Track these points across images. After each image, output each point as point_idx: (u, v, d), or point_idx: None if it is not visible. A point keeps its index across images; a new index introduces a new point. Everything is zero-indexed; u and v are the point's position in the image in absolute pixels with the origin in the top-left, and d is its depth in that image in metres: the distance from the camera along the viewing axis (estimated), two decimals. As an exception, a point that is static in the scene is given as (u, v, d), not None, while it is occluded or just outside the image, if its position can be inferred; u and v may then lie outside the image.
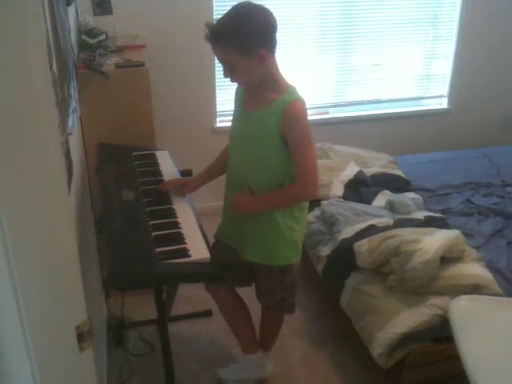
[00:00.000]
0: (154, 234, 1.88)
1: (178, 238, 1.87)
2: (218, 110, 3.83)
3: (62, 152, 1.34)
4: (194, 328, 2.88)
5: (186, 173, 2.51)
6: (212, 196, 3.17)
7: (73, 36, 2.74)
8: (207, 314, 2.91)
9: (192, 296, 2.94)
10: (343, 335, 2.78)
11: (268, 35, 1.87)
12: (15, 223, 0.85)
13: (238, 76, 1.95)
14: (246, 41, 1.83)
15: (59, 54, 1.88)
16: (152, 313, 1.90)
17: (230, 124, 2.18)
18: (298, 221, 2.11)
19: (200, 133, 3.79)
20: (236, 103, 2.13)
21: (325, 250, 2.77)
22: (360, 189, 3.01)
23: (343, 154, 3.36)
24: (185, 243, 1.84)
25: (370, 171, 3.21)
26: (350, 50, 4.05)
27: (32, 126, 0.95)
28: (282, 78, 1.99)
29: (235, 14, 1.86)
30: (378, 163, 3.32)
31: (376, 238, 2.45)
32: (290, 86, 1.98)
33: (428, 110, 4.35)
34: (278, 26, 1.88)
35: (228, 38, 1.83)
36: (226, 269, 2.13)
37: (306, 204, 2.16)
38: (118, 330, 2.76)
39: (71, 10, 2.70)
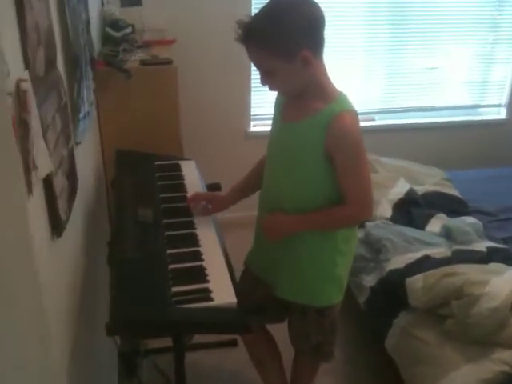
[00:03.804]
0: (171, 266, 1.57)
1: (200, 274, 1.55)
2: (252, 113, 3.51)
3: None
4: (215, 358, 2.57)
5: (213, 187, 2.19)
6: (240, 204, 2.86)
7: (95, 28, 2.46)
8: (232, 343, 2.59)
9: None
10: (384, 380, 2.42)
11: (314, 33, 1.54)
12: None
13: (276, 83, 1.62)
14: (286, 41, 1.50)
15: (67, 50, 1.58)
16: (170, 339, 1.63)
17: (265, 128, 1.85)
18: (342, 254, 1.77)
19: (232, 138, 3.47)
20: (275, 111, 1.80)
21: (369, 280, 2.43)
22: (411, 210, 2.65)
23: (391, 167, 3.00)
24: (207, 281, 1.52)
25: (421, 189, 2.84)
26: (400, 51, 3.70)
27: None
28: (331, 85, 1.65)
29: (272, 8, 1.53)
30: (430, 180, 2.95)
31: (433, 274, 2.09)
32: (340, 94, 1.64)
33: (484, 120, 3.96)
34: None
35: (263, 39, 1.51)
36: (254, 312, 1.81)
37: (353, 235, 1.82)
38: (131, 358, 2.46)
39: (94, -2, 2.41)
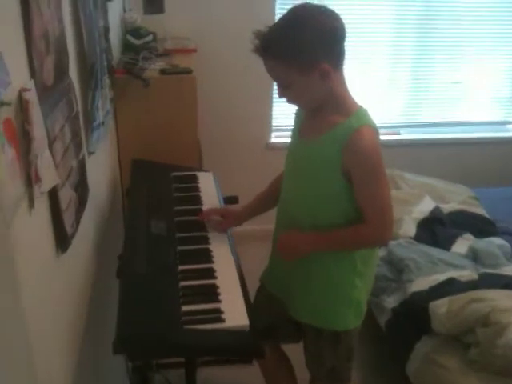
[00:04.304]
0: (182, 284, 1.50)
1: (212, 293, 1.48)
2: (273, 123, 3.45)
3: None
4: (228, 375, 2.49)
5: (230, 200, 2.12)
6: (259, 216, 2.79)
7: (115, 35, 2.43)
8: (246, 361, 2.50)
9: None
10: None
11: (333, 45, 1.47)
12: None
13: (294, 96, 1.55)
14: (304, 53, 1.43)
15: (81, 58, 1.54)
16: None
17: (287, 140, 1.78)
18: (360, 276, 1.68)
19: (252, 149, 3.41)
20: (295, 125, 1.73)
21: (390, 302, 2.33)
22: (436, 230, 2.54)
23: (416, 184, 2.90)
24: (219, 301, 1.45)
25: (447, 208, 2.73)
26: (427, 64, 3.58)
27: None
28: (350, 98, 1.57)
29: (290, 18, 1.47)
30: (456, 198, 2.83)
31: (458, 299, 1.99)
32: (360, 108, 1.56)
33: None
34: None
35: (280, 50, 1.45)
36: (269, 333, 1.73)
37: (373, 256, 1.72)
38: (142, 373, 2.40)
39: (115, 5, 2.38)
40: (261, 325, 1.45)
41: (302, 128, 1.65)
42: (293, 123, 1.74)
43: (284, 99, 1.58)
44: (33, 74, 1.07)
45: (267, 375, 2.02)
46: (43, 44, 1.15)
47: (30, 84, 1.03)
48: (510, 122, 3.86)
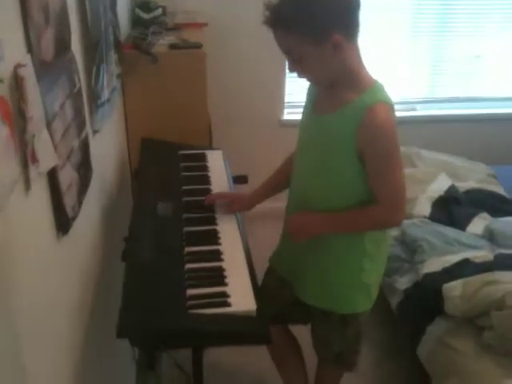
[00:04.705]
0: (187, 266, 1.47)
1: (218, 276, 1.44)
2: (286, 100, 3.37)
3: None
4: (238, 357, 2.47)
5: (240, 179, 2.08)
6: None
7: (124, 9, 2.37)
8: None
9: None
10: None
11: (346, 16, 1.40)
12: None
13: (305, 70, 1.49)
14: (315, 24, 1.37)
15: (85, 33, 1.49)
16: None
17: (299, 117, 1.73)
18: (371, 258, 1.63)
19: (265, 126, 3.35)
20: (307, 101, 1.67)
21: (402, 282, 2.29)
22: (452, 209, 2.48)
23: (432, 162, 2.82)
24: (225, 284, 1.42)
25: (464, 186, 2.67)
26: (447, 36, 3.48)
27: None
28: (365, 73, 1.50)
29: None
30: (474, 176, 2.76)
31: (473, 282, 1.94)
32: (375, 83, 1.50)
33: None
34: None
35: (290, 22, 1.39)
36: (277, 317, 1.70)
37: (384, 238, 1.68)
38: (150, 352, 2.39)
39: (123, -22, 2.31)
40: (269, 310, 1.42)
41: (314, 104, 1.60)
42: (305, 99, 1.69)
43: (295, 74, 1.52)
44: (29, 48, 1.02)
45: (275, 356, 2.01)
46: (42, 17, 1.10)
47: (27, 59, 0.98)
48: (531, 98, 3.74)
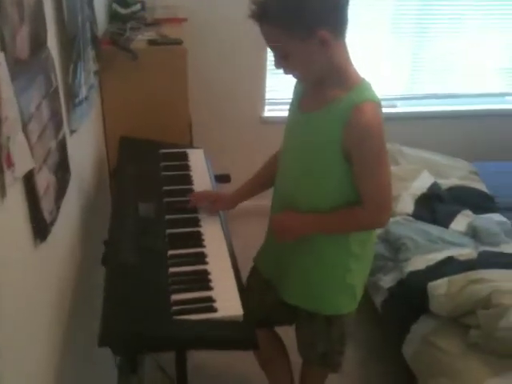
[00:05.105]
0: (171, 270, 1.42)
1: (203, 279, 1.40)
2: (267, 97, 3.33)
3: None
4: (222, 359, 2.43)
5: (222, 178, 2.04)
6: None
7: (101, 3, 2.30)
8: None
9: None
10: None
11: (334, 11, 1.37)
12: None
13: (292, 66, 1.45)
14: (302, 19, 1.34)
15: (61, 29, 1.43)
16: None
17: (281, 114, 1.68)
18: (356, 258, 1.61)
19: (245, 124, 3.30)
20: (294, 99, 1.63)
21: (386, 281, 2.28)
22: (435, 206, 2.47)
23: (414, 159, 2.81)
24: (210, 288, 1.38)
25: (446, 183, 2.66)
26: (426, 33, 3.47)
27: None
28: (353, 70, 1.47)
29: None
30: (456, 173, 2.76)
31: (458, 280, 1.93)
32: (363, 81, 1.47)
33: (510, 110, 3.70)
34: None
35: (276, 15, 1.35)
36: (263, 321, 1.66)
37: (370, 238, 1.65)
38: (133, 357, 2.34)
39: (99, -28, 2.24)
40: (254, 314, 1.38)
41: (302, 102, 1.56)
42: (290, 96, 1.65)
43: (280, 71, 1.48)
44: (3, 46, 0.96)
45: (260, 357, 1.97)
46: (16, 12, 1.04)
47: (0, 58, 0.93)
48: (509, 94, 3.76)
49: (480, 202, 2.57)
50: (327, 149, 1.47)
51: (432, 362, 1.92)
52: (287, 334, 1.93)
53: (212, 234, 1.62)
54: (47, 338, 1.21)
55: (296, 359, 1.93)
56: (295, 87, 1.64)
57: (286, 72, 1.48)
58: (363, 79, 1.48)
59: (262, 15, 1.38)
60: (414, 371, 2.02)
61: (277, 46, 1.42)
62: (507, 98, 3.77)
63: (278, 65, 1.47)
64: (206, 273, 1.43)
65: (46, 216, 1.14)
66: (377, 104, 1.44)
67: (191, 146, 2.38)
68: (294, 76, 1.54)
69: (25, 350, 1.04)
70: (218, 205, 1.74)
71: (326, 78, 1.46)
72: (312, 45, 1.37)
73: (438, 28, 3.45)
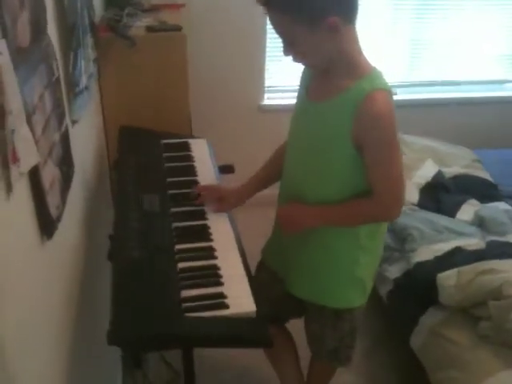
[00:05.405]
0: (180, 265, 1.38)
1: (213, 275, 1.36)
2: (266, 84, 3.27)
3: None
4: (225, 351, 2.39)
5: (226, 169, 1.99)
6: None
7: (96, -11, 2.21)
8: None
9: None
10: (407, 378, 2.25)
11: None
12: None
13: (301, 53, 1.41)
14: (310, 4, 1.29)
15: (61, 15, 1.36)
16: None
17: (280, 101, 1.63)
18: (366, 251, 1.57)
19: (244, 112, 3.23)
20: (301, 86, 1.58)
21: (392, 271, 2.25)
22: (440, 195, 2.44)
23: (417, 147, 2.77)
24: (221, 284, 1.33)
25: (450, 172, 2.63)
26: (426, 19, 3.42)
27: None
28: (363, 58, 1.43)
29: None
30: (459, 162, 2.72)
31: (468, 271, 1.90)
32: (373, 70, 1.42)
33: (510, 97, 3.66)
34: None
35: (284, 2, 1.31)
36: (274, 319, 1.62)
37: (380, 230, 1.61)
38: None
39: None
40: (266, 308, 1.34)
41: (310, 90, 1.51)
42: (289, 83, 1.60)
43: (280, 52, 1.44)
44: (4, 33, 0.90)
45: (269, 351, 1.94)
46: (16, -3, 0.98)
47: (2, 45, 0.87)
48: (509, 81, 3.72)
49: (484, 191, 2.54)
50: (337, 140, 1.43)
51: (441, 354, 1.90)
52: (295, 327, 1.89)
53: (219, 227, 1.57)
54: (55, 337, 1.16)
55: (304, 353, 1.90)
56: (303, 73, 1.58)
57: (295, 60, 1.44)
58: (374, 68, 1.43)
59: (268, 1, 1.33)
60: (422, 363, 1.99)
61: (285, 32, 1.37)
62: (506, 84, 3.72)
63: (286, 52, 1.42)
64: (215, 268, 1.38)
65: (53, 211, 1.09)
66: (388, 93, 1.40)
67: (191, 135, 2.33)
68: (302, 63, 1.49)
69: (33, 350, 0.99)
70: (225, 205, 1.67)
71: (335, 66, 1.41)
72: (321, 31, 1.32)
73: (437, 14, 3.40)
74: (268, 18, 1.37)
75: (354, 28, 1.38)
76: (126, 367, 2.26)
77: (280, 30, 1.38)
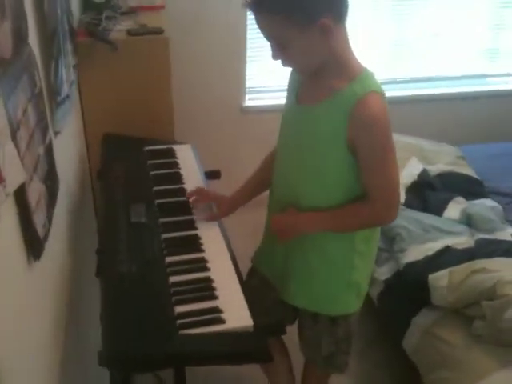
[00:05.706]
0: (172, 279, 1.33)
1: (207, 288, 1.32)
2: (247, 85, 3.22)
3: None
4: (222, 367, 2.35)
5: (212, 175, 1.95)
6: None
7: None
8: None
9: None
10: (400, 379, 2.24)
11: None
12: None
13: (291, 57, 1.37)
14: (302, 6, 1.26)
15: (41, 22, 1.31)
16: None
17: (262, 102, 1.59)
18: (361, 255, 1.55)
19: (226, 115, 3.17)
20: (289, 90, 1.55)
21: (382, 272, 2.23)
22: (425, 194, 2.43)
23: (401, 145, 2.73)
24: (215, 297, 1.29)
25: (434, 170, 2.62)
26: (406, 16, 3.41)
27: None
28: (354, 60, 1.41)
29: None
30: (443, 159, 2.72)
31: (459, 271, 1.89)
32: (365, 71, 1.40)
33: (493, 91, 3.68)
34: None
35: (275, 4, 1.27)
36: (272, 328, 1.59)
37: (374, 235, 1.59)
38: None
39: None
40: (262, 319, 1.31)
41: (300, 94, 1.48)
42: (270, 84, 1.56)
43: (259, 52, 1.43)
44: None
45: (266, 367, 1.90)
46: (-4, 6, 0.93)
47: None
48: (489, 75, 3.74)
49: (470, 188, 2.54)
50: (331, 144, 1.40)
51: (435, 354, 1.89)
52: (288, 333, 1.86)
53: (210, 236, 1.53)
54: (44, 360, 1.11)
55: (296, 359, 1.87)
56: (291, 76, 1.55)
57: (284, 64, 1.41)
58: (365, 68, 1.41)
59: (257, 4, 1.30)
60: (415, 363, 1.99)
61: (275, 36, 1.34)
62: (489, 79, 3.74)
63: (275, 56, 1.38)
64: (209, 280, 1.35)
65: (39, 231, 1.04)
66: (381, 95, 1.38)
67: (175, 141, 2.28)
68: (292, 67, 1.46)
69: (23, 371, 0.95)
70: (217, 213, 1.65)
71: (326, 67, 1.38)
72: (312, 33, 1.29)
73: (418, 9, 3.40)
74: (256, 22, 1.34)
75: (344, 27, 1.36)
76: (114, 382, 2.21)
77: (270, 34, 1.34)
